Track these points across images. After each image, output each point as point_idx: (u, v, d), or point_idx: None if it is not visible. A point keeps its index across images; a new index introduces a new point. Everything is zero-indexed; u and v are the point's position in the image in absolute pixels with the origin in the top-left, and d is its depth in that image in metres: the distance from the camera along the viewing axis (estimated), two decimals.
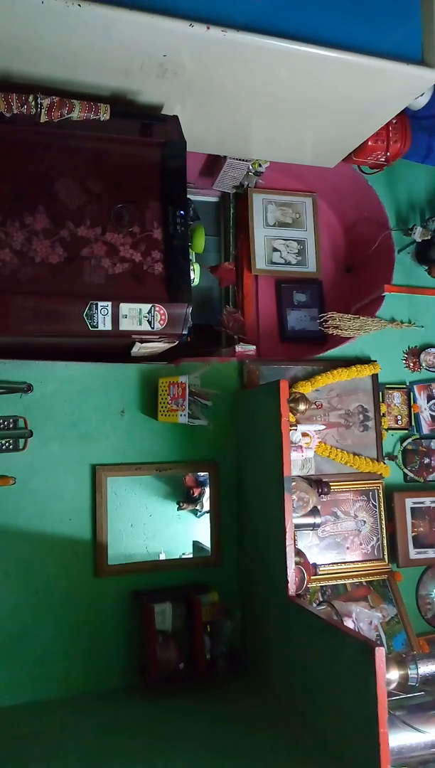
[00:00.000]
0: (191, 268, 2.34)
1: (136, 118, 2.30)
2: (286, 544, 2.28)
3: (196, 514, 2.87)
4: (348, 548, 3.02)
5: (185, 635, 2.56)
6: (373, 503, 3.09)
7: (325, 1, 2.14)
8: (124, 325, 2.20)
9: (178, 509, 2.85)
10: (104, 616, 2.59)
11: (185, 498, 2.86)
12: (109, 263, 2.20)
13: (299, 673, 2.19)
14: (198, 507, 2.86)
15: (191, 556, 2.82)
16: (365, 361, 3.18)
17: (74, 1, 1.83)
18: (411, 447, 3.24)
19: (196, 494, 2.86)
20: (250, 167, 3.18)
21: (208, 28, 1.96)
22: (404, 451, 3.22)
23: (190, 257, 2.36)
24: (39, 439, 2.57)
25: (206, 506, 2.83)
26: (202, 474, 2.85)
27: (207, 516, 2.83)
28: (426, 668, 2.17)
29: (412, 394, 3.26)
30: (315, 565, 2.66)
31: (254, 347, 3.08)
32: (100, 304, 2.16)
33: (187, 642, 2.56)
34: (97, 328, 2.17)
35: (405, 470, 3.21)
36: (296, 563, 2.32)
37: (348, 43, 2.14)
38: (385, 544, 3.07)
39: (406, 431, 3.24)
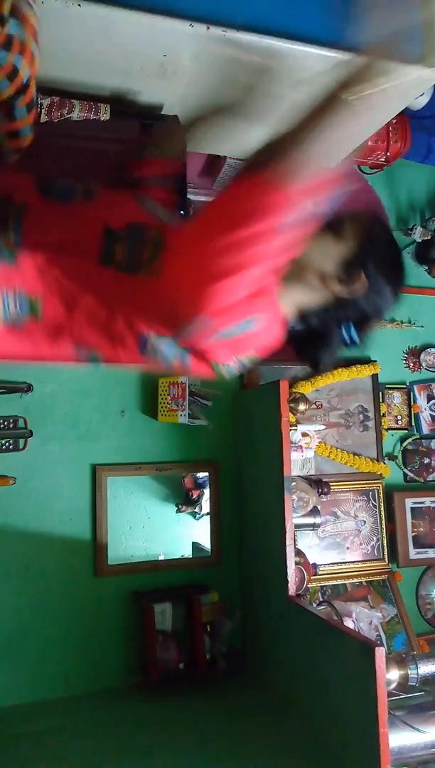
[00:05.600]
0: None
1: (136, 118, 2.30)
2: (286, 544, 2.28)
3: (195, 517, 2.86)
4: (348, 548, 3.02)
5: (185, 635, 2.56)
6: (373, 503, 3.09)
7: (325, 1, 2.13)
8: None
9: (177, 512, 2.84)
10: (104, 616, 2.58)
11: (184, 500, 2.86)
12: None
13: (299, 673, 2.19)
14: (196, 509, 2.86)
15: (190, 557, 2.82)
16: (365, 361, 3.17)
17: (74, 1, 1.82)
18: (411, 447, 3.24)
19: (194, 496, 2.85)
20: None
21: (208, 28, 1.96)
22: (404, 451, 3.22)
23: None
24: (39, 439, 2.57)
25: (205, 508, 2.82)
26: (200, 476, 2.84)
27: (206, 518, 2.81)
28: (426, 668, 2.17)
29: (412, 394, 3.26)
30: (315, 565, 2.66)
31: None
32: None
33: (187, 642, 2.56)
34: None
35: (405, 470, 3.21)
36: (296, 563, 2.33)
37: (348, 43, 2.14)
38: (385, 544, 3.07)
39: (406, 431, 3.24)
